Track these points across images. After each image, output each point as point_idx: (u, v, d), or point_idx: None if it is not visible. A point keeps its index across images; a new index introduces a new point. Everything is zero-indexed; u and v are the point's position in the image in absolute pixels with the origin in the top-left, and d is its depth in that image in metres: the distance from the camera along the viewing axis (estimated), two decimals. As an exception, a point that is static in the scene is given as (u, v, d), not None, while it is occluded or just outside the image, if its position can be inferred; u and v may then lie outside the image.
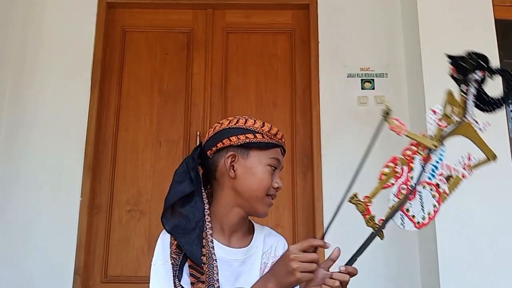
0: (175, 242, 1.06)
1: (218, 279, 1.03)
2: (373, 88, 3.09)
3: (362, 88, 3.09)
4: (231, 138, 1.09)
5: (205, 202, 1.10)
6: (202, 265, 1.03)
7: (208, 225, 1.08)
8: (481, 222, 2.59)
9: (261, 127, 1.11)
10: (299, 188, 3.01)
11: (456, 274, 2.47)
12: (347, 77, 3.10)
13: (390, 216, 0.99)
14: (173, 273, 1.02)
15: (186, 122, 3.10)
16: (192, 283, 1.02)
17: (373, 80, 3.11)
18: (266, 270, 1.09)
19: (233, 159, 1.10)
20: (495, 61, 2.84)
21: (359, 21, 3.20)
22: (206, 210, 1.10)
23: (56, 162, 2.92)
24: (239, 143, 1.09)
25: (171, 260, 1.04)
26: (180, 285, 1.01)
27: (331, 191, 2.89)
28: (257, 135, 1.09)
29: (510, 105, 3.14)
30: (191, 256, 1.04)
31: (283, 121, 3.11)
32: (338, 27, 3.18)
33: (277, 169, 1.16)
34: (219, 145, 1.10)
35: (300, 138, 3.08)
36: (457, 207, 2.63)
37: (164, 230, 1.10)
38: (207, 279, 1.02)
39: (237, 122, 1.10)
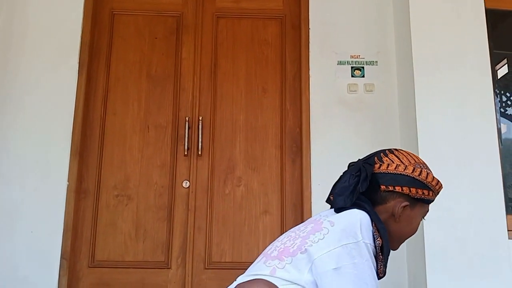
0: (380, 235, 1.10)
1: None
2: (363, 76, 3.09)
3: (352, 76, 3.09)
4: (411, 189, 1.13)
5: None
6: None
7: None
8: (468, 213, 2.61)
9: (435, 185, 1.16)
10: (287, 174, 3.01)
11: (442, 264, 2.50)
12: (337, 64, 3.09)
13: None
14: (376, 257, 1.07)
15: (174, 107, 3.08)
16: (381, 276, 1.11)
17: (363, 67, 3.10)
18: None
19: (404, 208, 1.14)
20: (485, 52, 2.84)
21: (350, 8, 3.18)
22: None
23: (43, 146, 2.88)
24: (416, 197, 1.14)
25: (374, 243, 1.07)
26: (383, 271, 1.10)
27: (319, 178, 2.89)
28: (430, 192, 1.16)
29: (498, 96, 3.15)
30: (386, 244, 1.10)
31: (273, 108, 3.10)
32: (329, 14, 3.16)
33: None
34: (398, 188, 1.13)
35: (289, 125, 3.08)
36: (444, 198, 2.63)
37: (357, 209, 1.09)
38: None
39: (420, 173, 1.14)
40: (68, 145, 2.90)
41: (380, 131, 3.02)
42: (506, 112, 3.19)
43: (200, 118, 3.03)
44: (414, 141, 2.74)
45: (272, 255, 1.09)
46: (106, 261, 2.87)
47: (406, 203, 1.13)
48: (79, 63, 3.01)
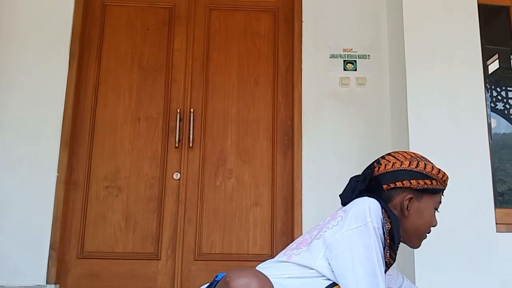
0: (389, 221, 1.12)
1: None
2: (355, 70, 3.09)
3: (344, 69, 3.09)
4: (411, 181, 1.16)
5: None
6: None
7: None
8: (457, 206, 2.63)
9: (437, 174, 1.19)
10: (279, 167, 3.01)
11: (431, 257, 2.51)
12: (330, 57, 3.09)
13: None
14: (384, 243, 1.09)
15: (166, 99, 3.07)
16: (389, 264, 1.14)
17: (355, 61, 3.11)
18: None
19: (410, 200, 1.17)
20: (476, 47, 2.86)
21: (343, 1, 3.18)
22: None
23: (33, 137, 2.86)
24: (418, 188, 1.17)
25: (383, 228, 1.09)
26: (393, 258, 1.13)
27: (310, 170, 2.90)
28: (433, 181, 1.18)
29: (489, 91, 3.17)
30: (397, 231, 1.12)
31: (265, 100, 3.10)
32: (322, 7, 3.16)
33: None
34: (398, 184, 1.17)
35: (281, 117, 3.07)
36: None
37: (367, 197, 1.13)
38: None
39: (417, 165, 1.17)
40: (58, 136, 2.88)
41: (371, 125, 3.03)
42: (496, 107, 3.21)
43: (192, 110, 3.02)
44: (405, 135, 2.75)
45: (292, 247, 1.15)
46: (95, 252, 2.86)
47: (410, 195, 1.16)
48: (70, 54, 2.99)
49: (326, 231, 1.09)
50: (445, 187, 1.22)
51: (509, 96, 3.23)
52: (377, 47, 3.13)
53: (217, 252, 2.89)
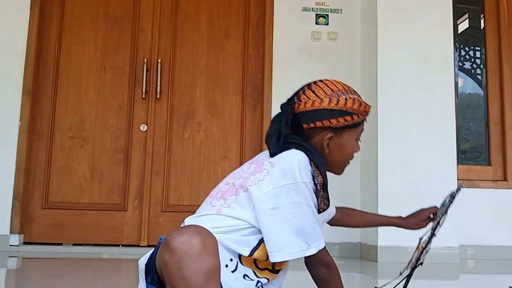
0: (319, 172, 1.08)
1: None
2: (327, 24, 3.06)
3: (316, 23, 3.05)
4: (331, 121, 1.12)
5: None
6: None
7: None
8: (422, 162, 2.69)
9: (358, 108, 1.14)
10: (248, 121, 2.99)
11: (394, 208, 2.56)
12: (302, 10, 3.04)
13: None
14: (321, 194, 1.07)
15: (132, 49, 2.98)
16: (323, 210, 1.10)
17: (327, 15, 3.07)
18: None
19: (330, 139, 1.13)
20: (448, 5, 2.86)
21: (317, -47, 3.11)
22: None
23: (-7, 84, 2.75)
24: (338, 126, 1.12)
25: (314, 180, 1.07)
26: (327, 204, 1.10)
27: (279, 125, 2.89)
28: (353, 116, 1.14)
29: (458, 50, 3.20)
30: (326, 177, 1.10)
31: (235, 53, 3.04)
32: (296, -42, 3.07)
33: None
34: (318, 124, 1.12)
35: (251, 70, 3.03)
36: (400, 147, 2.71)
37: (295, 149, 1.08)
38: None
39: (337, 102, 1.12)
40: (20, 84, 2.79)
41: (341, 79, 3.01)
42: (464, 66, 3.25)
43: (159, 60, 2.94)
44: (374, 91, 2.77)
45: (217, 195, 1.10)
46: (60, 202, 2.82)
47: (330, 134, 1.12)
48: (31, -1, 2.85)
49: (252, 185, 1.04)
50: (367, 115, 1.19)
51: (477, 56, 3.27)
52: (350, 1, 3.09)
53: (184, 203, 2.89)
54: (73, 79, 2.93)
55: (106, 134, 2.90)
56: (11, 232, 2.68)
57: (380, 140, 2.70)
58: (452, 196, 1.29)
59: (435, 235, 1.26)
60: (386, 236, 2.56)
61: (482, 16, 3.28)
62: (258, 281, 1.06)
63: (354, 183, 2.89)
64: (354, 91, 1.17)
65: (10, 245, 2.67)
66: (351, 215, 1.47)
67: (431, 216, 1.36)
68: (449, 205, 1.28)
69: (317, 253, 1.04)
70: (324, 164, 1.11)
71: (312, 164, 1.08)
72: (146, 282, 0.98)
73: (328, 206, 1.11)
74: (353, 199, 2.88)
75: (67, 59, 2.94)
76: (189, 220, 1.10)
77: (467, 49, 3.28)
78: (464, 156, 3.12)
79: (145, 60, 2.93)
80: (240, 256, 1.03)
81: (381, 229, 2.50)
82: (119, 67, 2.96)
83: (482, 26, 3.28)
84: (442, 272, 2.33)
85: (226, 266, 1.02)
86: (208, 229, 0.92)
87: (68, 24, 2.96)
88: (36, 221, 2.79)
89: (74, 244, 2.79)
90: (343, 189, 2.87)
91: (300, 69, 2.98)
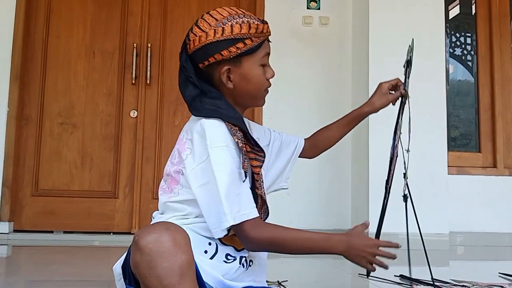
0: (237, 128, 1.02)
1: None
2: (319, 8, 3.03)
3: (308, 8, 3.02)
4: (222, 53, 1.03)
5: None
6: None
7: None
8: (412, 148, 2.68)
9: (248, 31, 1.04)
10: (239, 107, 2.97)
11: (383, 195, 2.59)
12: (294, -6, 3.01)
13: None
14: (243, 157, 1.01)
15: (122, 33, 2.93)
16: (257, 167, 1.03)
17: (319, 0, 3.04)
18: None
19: (228, 72, 1.06)
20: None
21: None
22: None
23: (-21, 68, 2.70)
24: (231, 56, 1.04)
25: (239, 144, 1.01)
26: (257, 158, 1.03)
27: (271, 111, 2.88)
28: (246, 41, 1.04)
29: (449, 36, 3.19)
30: (251, 135, 1.04)
31: (226, 38, 3.00)
32: None
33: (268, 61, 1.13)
34: (211, 59, 1.05)
35: (242, 56, 3.00)
36: (390, 134, 2.71)
37: (214, 118, 1.03)
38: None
39: (223, 32, 1.03)
40: (7, 69, 2.74)
41: (332, 66, 3.02)
42: (455, 53, 3.25)
43: (149, 45, 2.90)
44: (365, 76, 2.76)
45: (167, 189, 1.08)
46: (50, 190, 2.80)
47: (226, 67, 1.05)
48: (18, -21, 2.78)
49: (184, 167, 1.02)
50: (266, 36, 1.08)
51: (468, 42, 3.27)
52: (342, -14, 3.07)
53: (175, 190, 2.88)
54: (61, 63, 2.89)
55: (96, 120, 2.87)
56: (0, 220, 2.66)
57: (371, 127, 2.70)
58: (411, 48, 1.33)
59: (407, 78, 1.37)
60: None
61: (473, 1, 3.28)
62: (241, 257, 1.03)
63: (345, 170, 2.90)
64: (244, 13, 1.07)
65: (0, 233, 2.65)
66: (322, 135, 1.38)
67: (398, 86, 1.39)
68: (411, 57, 1.34)
69: (249, 227, 0.97)
70: (239, 118, 1.04)
71: (227, 123, 1.02)
72: (125, 284, 0.96)
73: (262, 151, 1.05)
74: (344, 186, 2.90)
75: (55, 42, 2.89)
76: (157, 215, 1.10)
77: (458, 35, 3.28)
78: (454, 143, 3.14)
79: (135, 44, 2.90)
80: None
81: (372, 215, 2.51)
82: (108, 52, 2.92)
83: (473, 12, 3.27)
84: (432, 258, 2.32)
85: (206, 252, 1.00)
86: (177, 223, 0.91)
87: (56, 6, 2.91)
88: (26, 209, 2.77)
89: (64, 232, 2.78)
90: (334, 176, 2.88)
91: (291, 54, 2.96)
